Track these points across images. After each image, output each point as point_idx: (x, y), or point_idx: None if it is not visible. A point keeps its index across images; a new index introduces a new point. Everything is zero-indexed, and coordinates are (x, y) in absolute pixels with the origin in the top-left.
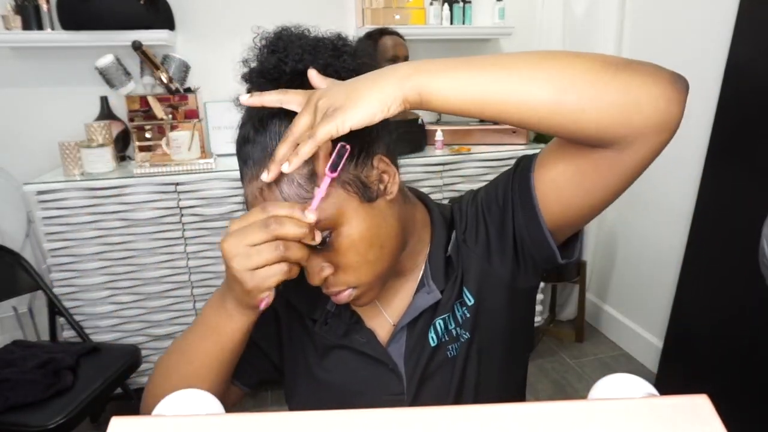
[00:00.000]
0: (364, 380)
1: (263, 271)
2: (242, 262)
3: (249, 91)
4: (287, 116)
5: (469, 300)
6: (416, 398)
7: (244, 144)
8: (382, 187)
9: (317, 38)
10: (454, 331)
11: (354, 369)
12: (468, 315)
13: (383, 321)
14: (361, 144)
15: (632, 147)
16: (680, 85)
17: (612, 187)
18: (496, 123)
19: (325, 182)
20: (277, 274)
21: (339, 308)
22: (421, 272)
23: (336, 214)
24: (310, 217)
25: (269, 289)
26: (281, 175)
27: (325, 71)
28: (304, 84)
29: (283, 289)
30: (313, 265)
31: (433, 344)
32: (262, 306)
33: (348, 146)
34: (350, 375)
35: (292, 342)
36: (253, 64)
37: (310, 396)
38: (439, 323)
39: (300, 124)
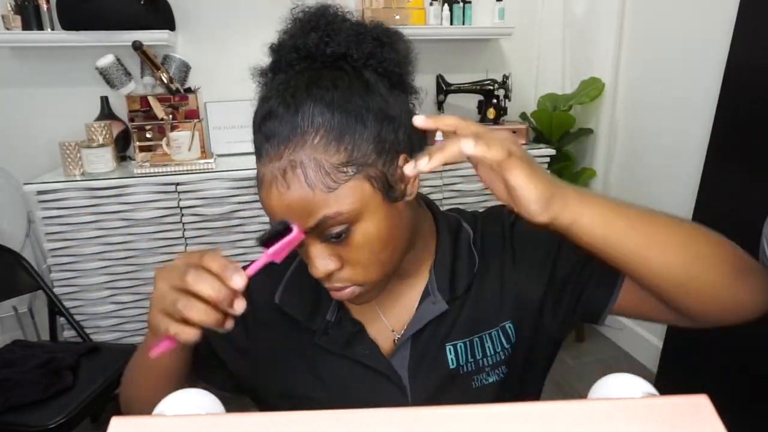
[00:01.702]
0: (365, 392)
1: (165, 319)
2: (156, 298)
3: (275, 64)
4: (321, 99)
5: (512, 337)
6: None
7: (268, 119)
8: (402, 187)
9: (360, 23)
10: (481, 362)
11: (355, 380)
12: (510, 353)
13: (385, 330)
14: (390, 142)
15: (703, 323)
16: None
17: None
18: (496, 123)
19: (261, 259)
20: (169, 327)
21: (340, 317)
22: (426, 282)
23: (359, 208)
24: (238, 282)
25: (163, 334)
26: (310, 160)
27: (366, 61)
28: (342, 69)
29: (279, 300)
30: (321, 257)
31: (452, 366)
32: (153, 354)
33: (297, 231)
34: (351, 386)
35: (287, 355)
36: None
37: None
38: (462, 347)
39: (495, 137)
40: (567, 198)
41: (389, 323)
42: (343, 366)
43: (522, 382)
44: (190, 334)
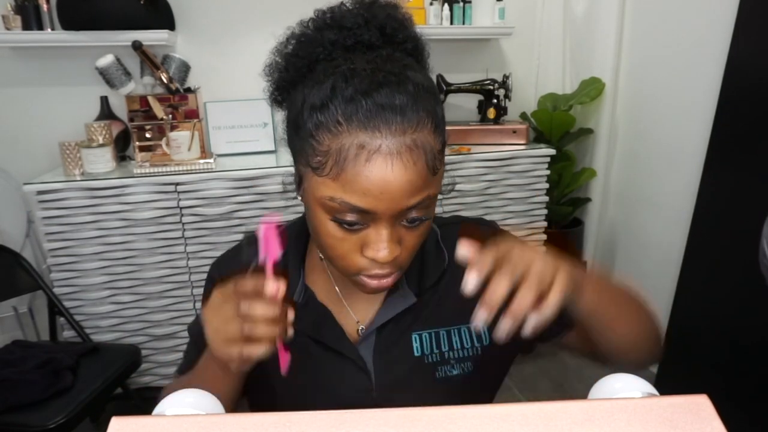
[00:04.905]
0: (330, 376)
1: (234, 346)
2: (213, 332)
3: (348, 38)
4: (428, 89)
5: (485, 338)
6: (387, 401)
7: (383, 87)
8: None
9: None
10: (447, 354)
11: (321, 363)
12: (479, 352)
13: (350, 320)
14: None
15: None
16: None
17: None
18: (496, 123)
19: (269, 266)
20: (246, 351)
21: (306, 300)
22: None
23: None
24: (272, 289)
25: (233, 360)
26: (426, 143)
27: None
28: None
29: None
30: (393, 240)
31: (417, 354)
32: (284, 371)
33: (265, 225)
34: (317, 369)
35: None
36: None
37: (271, 388)
38: (427, 337)
39: (526, 299)
40: (582, 292)
41: (354, 314)
42: (310, 349)
43: (484, 380)
44: (262, 350)
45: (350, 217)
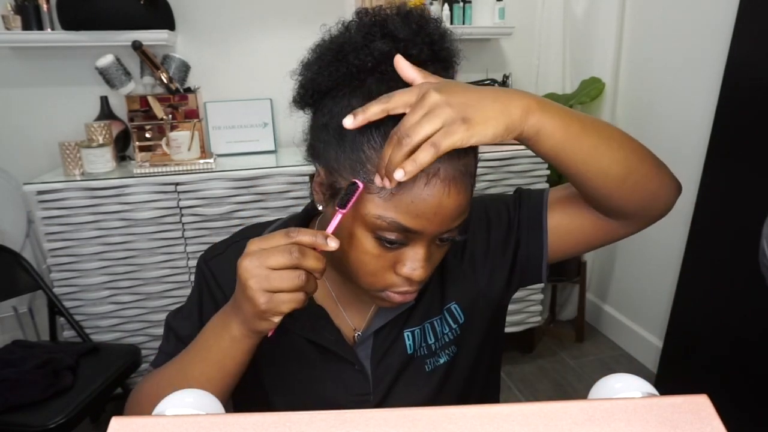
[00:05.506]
0: (327, 378)
1: (279, 296)
2: (260, 282)
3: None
4: None
5: (460, 317)
6: (383, 402)
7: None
8: None
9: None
10: (433, 346)
11: (317, 365)
12: (458, 332)
13: (346, 323)
14: None
15: (631, 224)
16: (679, 193)
17: (592, 248)
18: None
19: (336, 218)
20: (292, 301)
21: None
22: None
23: None
24: (333, 246)
25: (281, 314)
26: (470, 168)
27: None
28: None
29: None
30: (428, 260)
31: (410, 351)
32: (271, 333)
33: (360, 184)
34: (313, 371)
35: None
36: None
37: (267, 390)
38: (418, 333)
39: (420, 133)
40: (527, 113)
41: (349, 319)
42: (306, 350)
43: (475, 357)
44: (305, 302)
45: (393, 236)
